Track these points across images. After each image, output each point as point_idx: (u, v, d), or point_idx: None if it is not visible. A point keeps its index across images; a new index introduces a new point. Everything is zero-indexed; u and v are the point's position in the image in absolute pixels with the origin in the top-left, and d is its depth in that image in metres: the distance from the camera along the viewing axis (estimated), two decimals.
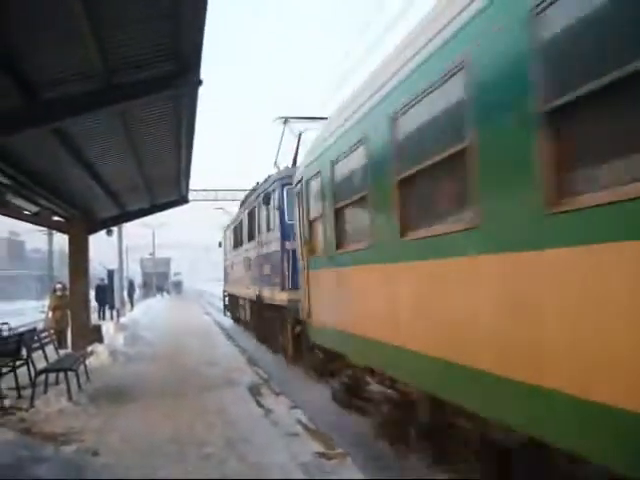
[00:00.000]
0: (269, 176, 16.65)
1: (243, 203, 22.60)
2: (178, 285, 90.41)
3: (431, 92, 5.07)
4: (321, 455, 6.64)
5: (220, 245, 32.01)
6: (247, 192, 22.87)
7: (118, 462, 6.64)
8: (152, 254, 67.61)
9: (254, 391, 10.36)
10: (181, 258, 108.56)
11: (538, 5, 3.59)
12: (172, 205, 20.07)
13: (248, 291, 20.33)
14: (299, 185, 10.43)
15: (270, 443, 7.21)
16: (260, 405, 9.31)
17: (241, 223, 22.37)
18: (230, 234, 27.01)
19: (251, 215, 19.31)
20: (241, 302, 24.00)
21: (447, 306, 5.07)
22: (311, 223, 9.70)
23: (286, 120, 17.17)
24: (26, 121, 7.81)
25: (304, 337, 11.52)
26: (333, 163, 8.04)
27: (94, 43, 6.56)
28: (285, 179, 14.19)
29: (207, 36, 6.98)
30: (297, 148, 16.78)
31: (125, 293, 36.31)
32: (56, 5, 5.80)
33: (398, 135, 5.89)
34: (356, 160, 7.13)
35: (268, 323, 16.98)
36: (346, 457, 6.55)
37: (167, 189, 17.72)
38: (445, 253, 5.04)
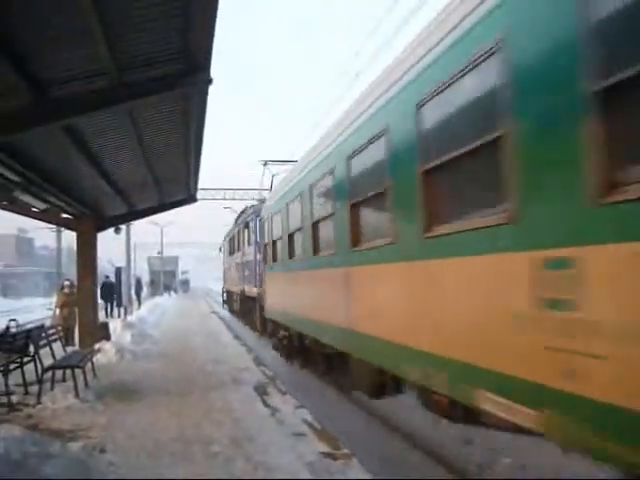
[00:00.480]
0: (247, 207, 24.53)
1: (236, 221, 29.09)
2: (185, 284, 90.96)
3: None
4: (327, 455, 6.64)
5: (220, 250, 41.16)
6: (238, 214, 29.81)
7: (124, 460, 6.66)
8: (160, 252, 67.72)
9: (260, 388, 10.39)
10: (188, 256, 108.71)
11: None
12: (180, 204, 20.09)
13: (237, 287, 27.40)
14: (265, 216, 15.84)
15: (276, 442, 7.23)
16: (263, 399, 9.32)
17: (233, 237, 29.52)
18: (227, 244, 34.53)
19: (238, 233, 26.63)
20: (234, 297, 30.96)
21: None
22: (273, 242, 14.17)
23: (266, 162, 23.66)
24: (36, 119, 7.83)
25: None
26: (287, 205, 12.13)
27: (104, 41, 6.56)
28: (257, 212, 20.14)
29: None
30: (271, 186, 21.89)
31: (132, 291, 36.44)
32: (67, 3, 5.81)
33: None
34: (298, 206, 10.91)
35: (248, 309, 24.26)
36: (352, 457, 6.56)
37: (176, 188, 17.73)
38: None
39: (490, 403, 4.45)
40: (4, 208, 14.79)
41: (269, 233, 14.91)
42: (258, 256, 19.65)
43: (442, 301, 5.30)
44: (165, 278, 69.41)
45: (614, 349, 3.21)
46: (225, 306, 37.14)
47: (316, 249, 9.73)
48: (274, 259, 14.21)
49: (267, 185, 25.01)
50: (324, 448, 6.90)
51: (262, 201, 21.14)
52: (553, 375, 3.70)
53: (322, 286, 9.48)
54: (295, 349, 13.41)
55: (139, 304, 37.83)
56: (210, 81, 8.15)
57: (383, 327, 6.74)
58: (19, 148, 10.05)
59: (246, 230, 23.10)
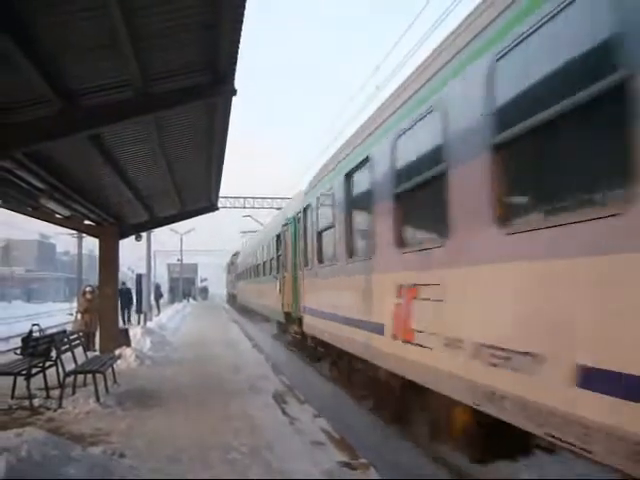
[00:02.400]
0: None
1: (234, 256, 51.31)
2: (204, 291, 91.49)
3: None
4: (345, 464, 6.65)
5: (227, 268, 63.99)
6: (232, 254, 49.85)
7: (144, 465, 6.71)
8: (180, 260, 68.08)
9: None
10: (207, 264, 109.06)
11: None
12: (201, 212, 20.24)
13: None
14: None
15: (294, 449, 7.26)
16: (282, 408, 9.35)
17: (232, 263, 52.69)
18: (230, 265, 58.60)
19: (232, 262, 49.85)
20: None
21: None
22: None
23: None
24: (64, 128, 7.99)
25: None
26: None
27: (132, 53, 6.70)
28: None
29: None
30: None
31: (152, 297, 36.63)
32: (97, 16, 5.94)
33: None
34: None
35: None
36: (369, 467, 6.56)
37: (197, 196, 17.89)
38: None
39: None
40: (29, 214, 15.02)
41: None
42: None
43: None
44: (184, 285, 69.73)
45: None
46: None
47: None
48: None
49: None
50: (342, 457, 6.91)
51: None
52: None
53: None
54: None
55: (158, 311, 37.96)
56: (234, 92, 8.26)
57: None
58: (45, 156, 10.23)
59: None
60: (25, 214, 15.00)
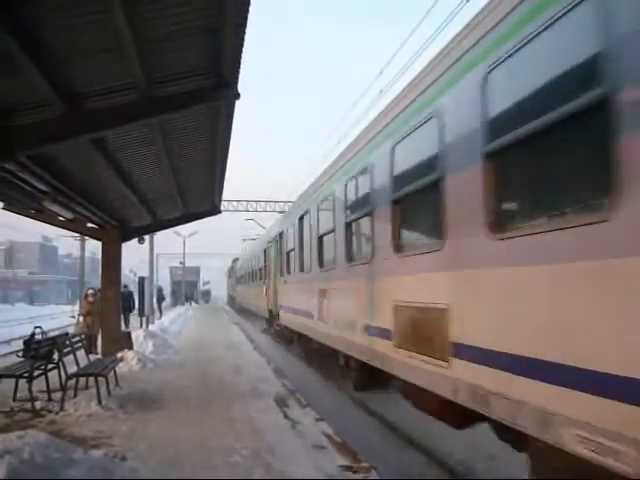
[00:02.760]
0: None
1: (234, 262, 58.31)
2: (206, 294, 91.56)
3: None
4: (347, 468, 6.65)
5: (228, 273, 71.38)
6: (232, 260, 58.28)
7: (146, 468, 6.71)
8: (182, 263, 68.11)
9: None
10: (209, 267, 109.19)
11: None
12: (204, 215, 20.26)
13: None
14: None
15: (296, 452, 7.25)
16: (284, 411, 9.36)
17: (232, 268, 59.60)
18: (231, 270, 64.58)
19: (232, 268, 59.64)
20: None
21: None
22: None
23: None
24: (68, 130, 8.01)
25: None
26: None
27: (136, 56, 6.72)
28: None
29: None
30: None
31: (154, 300, 36.62)
32: (101, 19, 5.96)
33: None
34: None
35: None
36: (371, 470, 6.56)
37: (200, 199, 17.91)
38: None
39: None
40: (32, 217, 15.05)
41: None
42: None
43: None
44: (187, 288, 69.76)
45: None
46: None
47: None
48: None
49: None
50: (344, 461, 6.90)
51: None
52: None
53: None
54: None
55: (160, 314, 37.95)
56: (238, 96, 8.27)
57: None
58: (49, 158, 10.26)
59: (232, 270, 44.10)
60: (28, 216, 15.03)
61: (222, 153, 12.02)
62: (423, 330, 6.30)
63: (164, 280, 75.33)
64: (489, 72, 4.72)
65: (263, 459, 7.02)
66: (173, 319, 33.17)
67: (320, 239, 11.63)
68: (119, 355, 14.12)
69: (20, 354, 11.52)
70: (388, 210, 7.31)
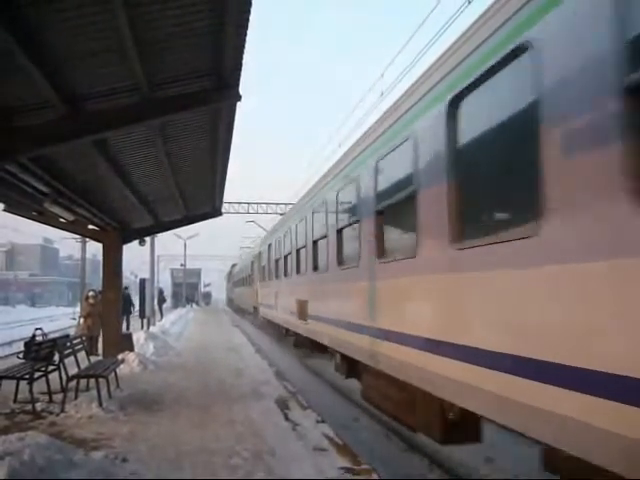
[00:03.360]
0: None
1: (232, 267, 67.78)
2: (207, 296, 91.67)
3: None
4: (347, 470, 6.64)
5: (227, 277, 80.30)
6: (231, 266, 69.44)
7: (146, 470, 6.71)
8: (183, 265, 68.11)
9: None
10: (210, 269, 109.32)
11: None
12: (205, 217, 20.25)
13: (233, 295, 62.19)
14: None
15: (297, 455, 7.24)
16: (285, 413, 9.35)
17: (231, 273, 68.45)
18: (229, 274, 71.76)
19: (230, 272, 69.30)
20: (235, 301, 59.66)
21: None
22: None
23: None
24: (69, 132, 8.00)
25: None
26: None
27: (138, 58, 6.72)
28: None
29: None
30: None
31: (155, 302, 36.59)
32: (103, 21, 5.96)
33: None
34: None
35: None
36: (372, 473, 6.55)
37: (201, 201, 17.90)
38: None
39: None
40: (33, 218, 15.05)
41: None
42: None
43: None
44: (187, 290, 69.76)
45: None
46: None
47: None
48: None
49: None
50: (345, 463, 6.90)
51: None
52: None
53: None
54: None
55: (161, 316, 37.93)
56: (239, 97, 8.27)
57: None
58: (51, 160, 10.25)
59: (230, 274, 52.32)
60: (29, 218, 15.03)
61: (223, 155, 12.01)
62: (303, 310, 13.26)
63: (165, 282, 75.38)
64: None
65: (264, 461, 7.01)
66: (174, 321, 33.18)
67: (276, 261, 19.19)
68: (120, 357, 14.11)
69: (21, 356, 11.51)
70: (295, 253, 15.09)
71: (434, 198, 5.78)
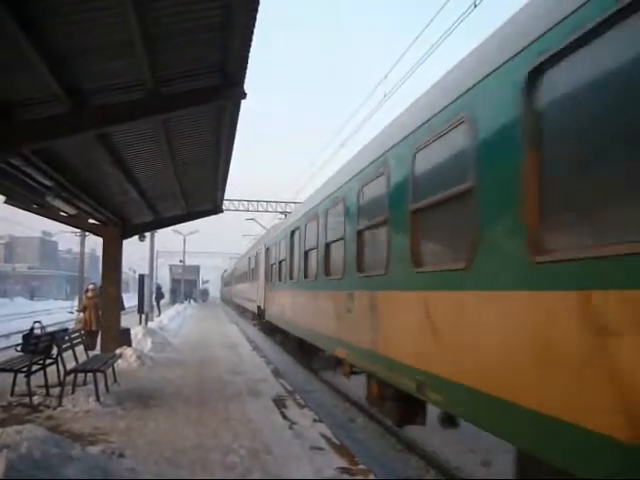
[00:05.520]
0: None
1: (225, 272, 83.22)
2: (205, 293, 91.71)
3: None
4: (344, 470, 6.64)
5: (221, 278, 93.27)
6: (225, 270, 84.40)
7: (143, 466, 6.70)
8: (182, 261, 68.09)
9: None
10: (209, 266, 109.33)
11: None
12: (206, 214, 20.27)
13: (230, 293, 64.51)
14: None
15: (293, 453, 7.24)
16: (282, 412, 9.35)
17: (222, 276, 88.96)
18: (222, 277, 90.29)
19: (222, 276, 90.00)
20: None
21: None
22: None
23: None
24: (73, 126, 7.99)
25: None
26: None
27: (145, 53, 6.72)
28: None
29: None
30: None
31: (153, 298, 36.56)
32: (111, 16, 5.96)
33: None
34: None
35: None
36: (369, 473, 6.55)
37: (202, 198, 17.90)
38: None
39: None
40: (34, 211, 15.04)
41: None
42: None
43: None
44: (186, 287, 69.71)
45: None
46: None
47: None
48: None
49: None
50: (341, 463, 6.89)
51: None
52: None
53: None
54: None
55: (159, 312, 37.88)
56: (244, 95, 8.26)
57: None
58: (54, 154, 10.25)
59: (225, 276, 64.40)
60: (30, 211, 15.00)
61: (226, 152, 12.01)
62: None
63: (164, 278, 75.35)
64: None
65: (261, 459, 7.01)
66: (172, 317, 33.12)
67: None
68: (118, 352, 14.10)
69: (19, 349, 11.49)
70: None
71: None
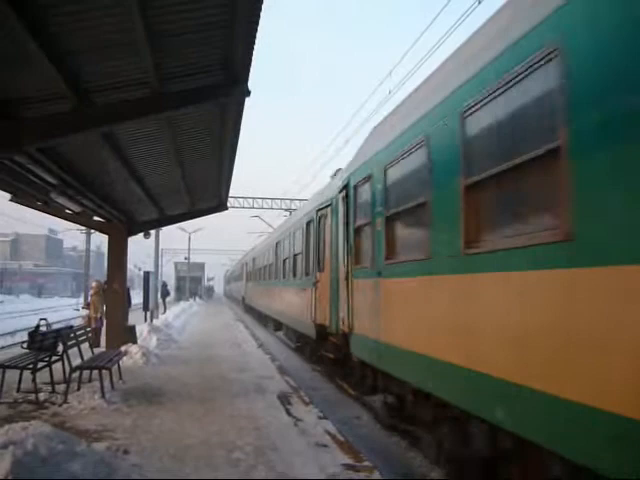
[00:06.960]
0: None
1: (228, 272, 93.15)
2: (210, 290, 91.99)
3: None
4: (349, 467, 6.64)
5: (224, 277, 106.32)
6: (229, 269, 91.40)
7: (148, 462, 6.72)
8: (187, 258, 68.14)
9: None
10: (214, 264, 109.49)
11: None
12: (211, 211, 20.26)
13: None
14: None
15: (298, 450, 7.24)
16: (287, 409, 9.36)
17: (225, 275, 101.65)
18: (227, 273, 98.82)
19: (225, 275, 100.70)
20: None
21: None
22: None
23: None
24: (78, 124, 8.01)
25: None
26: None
27: (149, 52, 6.72)
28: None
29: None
30: None
31: (159, 295, 36.61)
32: (116, 14, 5.97)
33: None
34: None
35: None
36: (374, 470, 6.55)
37: (207, 195, 17.92)
38: None
39: None
40: (39, 209, 15.08)
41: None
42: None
43: None
44: (191, 284, 69.79)
45: None
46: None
47: None
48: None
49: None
50: (346, 460, 6.89)
51: None
52: None
53: None
54: None
55: (164, 309, 37.93)
56: (248, 93, 8.26)
57: None
58: (59, 152, 10.27)
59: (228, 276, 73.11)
60: (35, 209, 15.05)
61: (230, 149, 12.02)
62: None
63: (169, 275, 75.47)
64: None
65: (266, 456, 7.02)
66: (177, 314, 33.14)
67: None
68: (123, 349, 14.12)
69: (25, 345, 11.53)
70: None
71: None
